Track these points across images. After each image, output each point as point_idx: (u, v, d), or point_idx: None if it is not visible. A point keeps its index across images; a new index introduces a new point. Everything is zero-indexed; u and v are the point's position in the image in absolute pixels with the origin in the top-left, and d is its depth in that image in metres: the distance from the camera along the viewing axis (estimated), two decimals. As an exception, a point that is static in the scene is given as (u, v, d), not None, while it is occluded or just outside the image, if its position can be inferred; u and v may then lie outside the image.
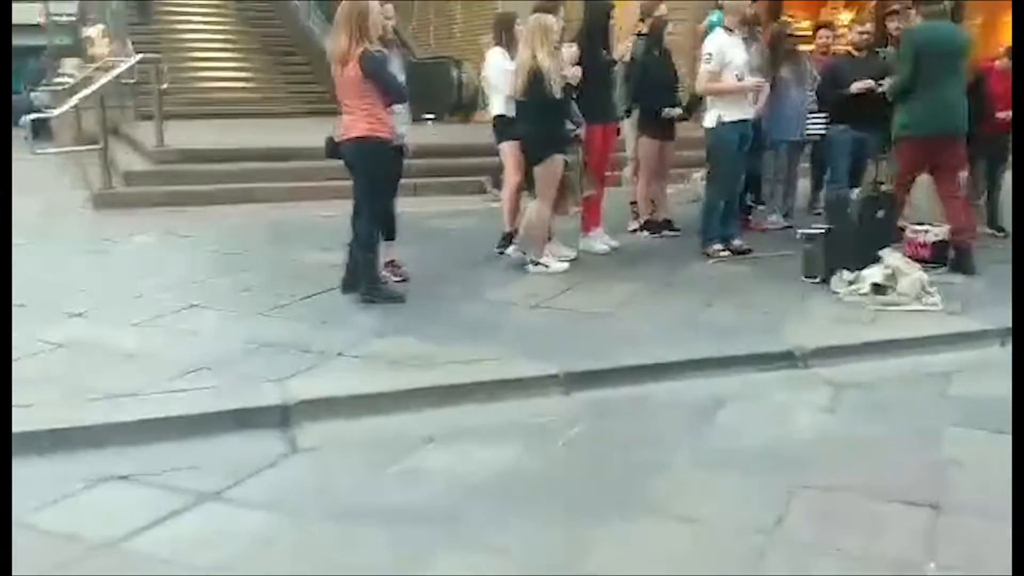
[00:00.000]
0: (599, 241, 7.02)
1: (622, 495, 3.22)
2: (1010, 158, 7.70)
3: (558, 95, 5.91)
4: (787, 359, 4.56)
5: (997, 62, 7.27)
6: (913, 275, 5.43)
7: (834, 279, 5.73)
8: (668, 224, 7.70)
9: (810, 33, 8.59)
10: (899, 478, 3.35)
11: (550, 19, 5.99)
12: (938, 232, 6.19)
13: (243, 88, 16.55)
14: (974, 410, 3.97)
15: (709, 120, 6.61)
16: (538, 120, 5.96)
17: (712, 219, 6.75)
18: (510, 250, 6.49)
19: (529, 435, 3.72)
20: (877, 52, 7.21)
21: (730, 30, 6.54)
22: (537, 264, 6.23)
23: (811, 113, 7.58)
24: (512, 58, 6.53)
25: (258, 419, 3.80)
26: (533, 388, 4.14)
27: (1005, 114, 7.28)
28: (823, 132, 7.60)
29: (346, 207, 5.53)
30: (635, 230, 7.69)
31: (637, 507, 3.12)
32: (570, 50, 6.29)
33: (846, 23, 10.76)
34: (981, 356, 4.74)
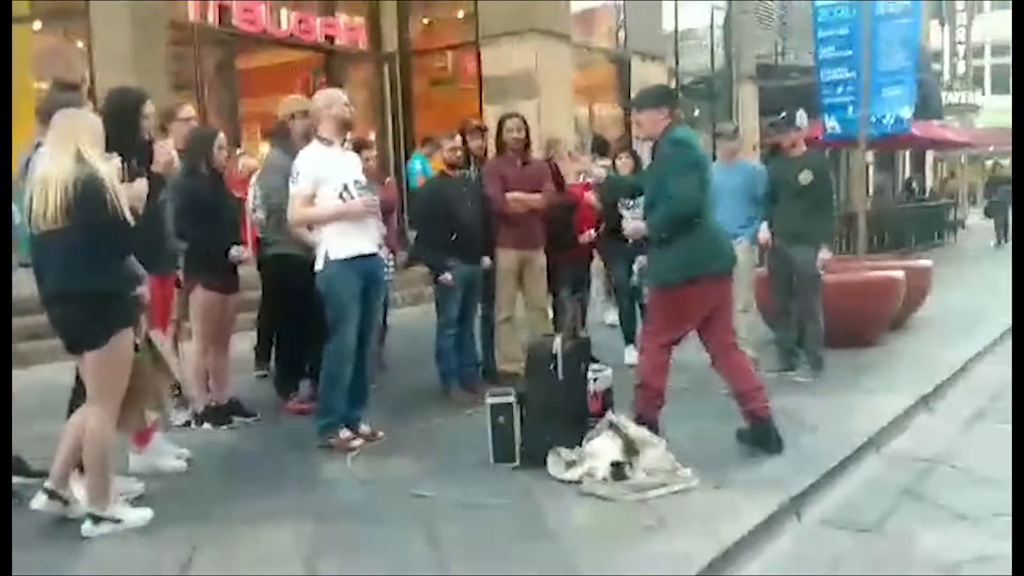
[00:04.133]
0: (167, 453, 4.50)
1: None
2: (594, 281, 7.25)
3: (130, 220, 3.48)
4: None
5: (588, 193, 6.67)
6: (660, 446, 4.19)
7: (551, 461, 4.23)
8: (237, 407, 5.44)
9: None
10: None
11: (93, 117, 3.61)
12: (606, 378, 5.09)
13: None
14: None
15: (318, 261, 4.71)
16: (92, 268, 3.41)
17: (335, 395, 4.76)
18: (36, 503, 3.66)
19: None
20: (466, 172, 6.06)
21: (328, 141, 4.79)
22: (100, 520, 3.56)
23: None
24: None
25: None
26: None
27: (587, 235, 6.79)
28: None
29: None
30: (188, 423, 5.26)
31: None
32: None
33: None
34: (817, 548, 3.66)
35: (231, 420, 5.31)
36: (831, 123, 10.67)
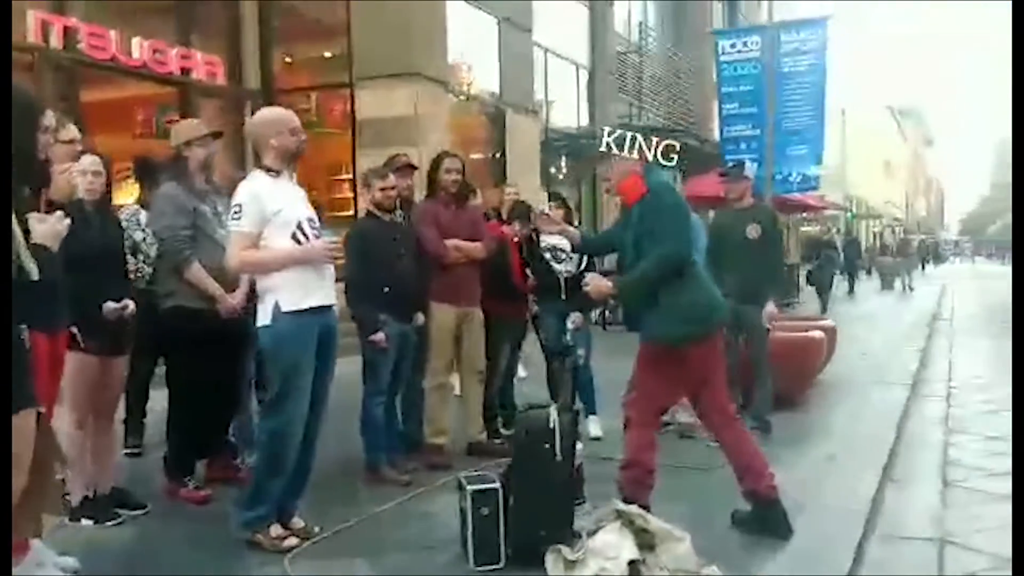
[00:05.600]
0: (47, 564, 3.45)
1: None
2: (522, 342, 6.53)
3: (32, 271, 2.54)
4: None
5: (505, 227, 6.02)
6: (684, 540, 3.54)
7: (550, 560, 3.50)
8: (122, 497, 4.38)
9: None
10: None
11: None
12: (578, 453, 4.42)
13: None
14: None
15: (263, 314, 3.84)
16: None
17: (273, 481, 3.83)
18: None
19: None
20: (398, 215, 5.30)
21: (274, 172, 3.97)
22: None
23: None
24: None
25: None
26: None
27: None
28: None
29: None
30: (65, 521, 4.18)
31: None
32: None
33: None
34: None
35: (117, 514, 4.26)
36: (733, 181, 10.61)
